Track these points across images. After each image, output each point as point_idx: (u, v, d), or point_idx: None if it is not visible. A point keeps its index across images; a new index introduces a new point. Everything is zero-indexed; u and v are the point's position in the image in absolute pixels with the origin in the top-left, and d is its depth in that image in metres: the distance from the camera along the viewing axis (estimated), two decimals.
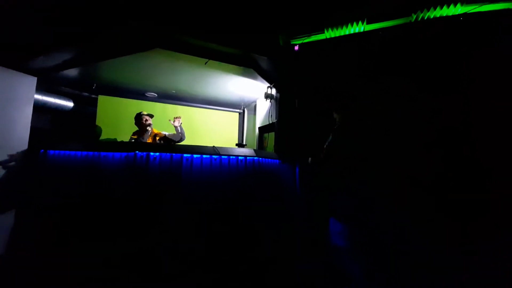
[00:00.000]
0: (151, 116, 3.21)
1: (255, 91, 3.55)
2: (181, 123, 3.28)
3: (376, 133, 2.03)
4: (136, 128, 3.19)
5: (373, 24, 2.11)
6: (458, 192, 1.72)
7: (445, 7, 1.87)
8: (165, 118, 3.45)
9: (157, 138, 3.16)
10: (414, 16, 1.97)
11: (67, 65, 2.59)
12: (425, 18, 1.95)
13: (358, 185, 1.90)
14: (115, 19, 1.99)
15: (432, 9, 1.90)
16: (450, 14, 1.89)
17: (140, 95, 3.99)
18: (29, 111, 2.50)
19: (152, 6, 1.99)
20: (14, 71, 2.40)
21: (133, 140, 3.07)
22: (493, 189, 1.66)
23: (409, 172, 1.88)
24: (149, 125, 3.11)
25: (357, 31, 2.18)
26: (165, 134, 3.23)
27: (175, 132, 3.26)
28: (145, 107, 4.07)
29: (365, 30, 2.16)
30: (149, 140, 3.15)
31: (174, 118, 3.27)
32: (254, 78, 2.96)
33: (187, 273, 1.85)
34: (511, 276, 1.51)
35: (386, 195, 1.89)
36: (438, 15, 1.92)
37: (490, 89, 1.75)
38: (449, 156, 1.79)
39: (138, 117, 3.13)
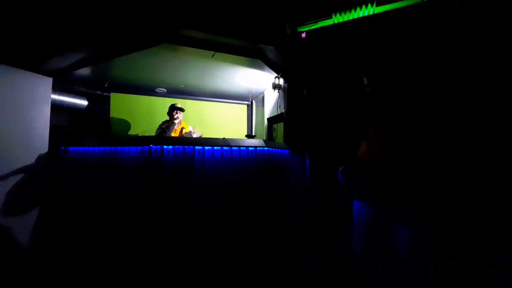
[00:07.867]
0: (181, 110, 3.34)
1: (262, 82, 3.54)
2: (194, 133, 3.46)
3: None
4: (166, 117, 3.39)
5: (383, 6, 2.04)
6: (459, 192, 1.70)
7: None
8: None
9: (183, 131, 3.30)
10: None
11: (80, 64, 2.67)
12: None
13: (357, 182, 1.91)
14: (121, 17, 2.02)
15: None
16: None
17: (150, 91, 4.08)
18: (47, 110, 2.62)
19: (158, 3, 2.01)
20: (31, 73, 2.51)
21: (160, 129, 3.22)
22: (494, 188, 1.63)
23: (409, 171, 1.87)
24: (176, 118, 3.26)
25: (366, 14, 2.11)
26: (190, 130, 3.36)
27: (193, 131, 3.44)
28: (156, 102, 4.16)
29: (375, 12, 2.09)
30: (176, 132, 3.29)
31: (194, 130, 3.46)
32: (261, 68, 2.95)
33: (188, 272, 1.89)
34: (511, 276, 1.50)
35: (386, 194, 1.91)
36: None
37: (493, 86, 1.69)
38: (450, 155, 1.76)
39: (171, 109, 3.31)
